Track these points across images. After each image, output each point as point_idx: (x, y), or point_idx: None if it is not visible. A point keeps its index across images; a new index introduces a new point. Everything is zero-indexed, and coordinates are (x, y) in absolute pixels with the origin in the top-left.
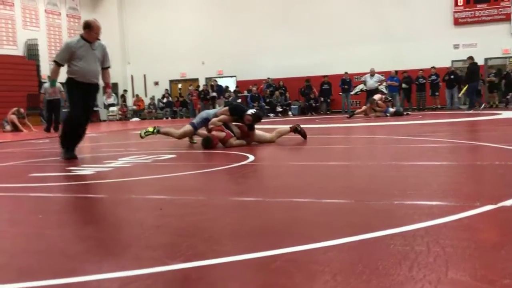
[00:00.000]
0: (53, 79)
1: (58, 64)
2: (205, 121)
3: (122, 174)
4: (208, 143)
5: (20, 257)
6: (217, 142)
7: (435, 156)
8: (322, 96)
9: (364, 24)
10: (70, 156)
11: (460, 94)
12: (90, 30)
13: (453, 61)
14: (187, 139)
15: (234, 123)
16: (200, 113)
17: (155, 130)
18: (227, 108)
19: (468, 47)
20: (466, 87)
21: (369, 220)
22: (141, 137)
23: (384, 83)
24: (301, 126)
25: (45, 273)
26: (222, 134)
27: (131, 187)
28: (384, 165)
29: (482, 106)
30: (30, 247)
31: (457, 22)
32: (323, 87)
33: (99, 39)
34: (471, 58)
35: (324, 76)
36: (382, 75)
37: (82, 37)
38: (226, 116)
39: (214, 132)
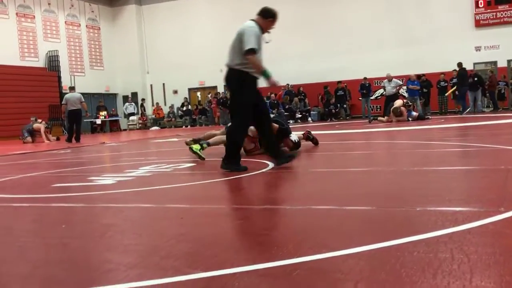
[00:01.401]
0: (263, 69)
1: (255, 52)
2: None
3: (143, 183)
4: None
5: (44, 268)
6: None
7: (457, 160)
8: (338, 102)
9: (384, 28)
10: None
11: (447, 94)
12: (274, 20)
13: (475, 64)
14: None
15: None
16: None
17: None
18: (277, 126)
19: (490, 49)
20: (453, 89)
21: (391, 227)
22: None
23: (404, 87)
24: (318, 132)
25: (69, 283)
26: (252, 145)
27: (152, 196)
28: (406, 171)
29: (467, 110)
30: (54, 257)
31: (478, 24)
32: (338, 94)
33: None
34: (460, 64)
35: (338, 82)
36: (400, 80)
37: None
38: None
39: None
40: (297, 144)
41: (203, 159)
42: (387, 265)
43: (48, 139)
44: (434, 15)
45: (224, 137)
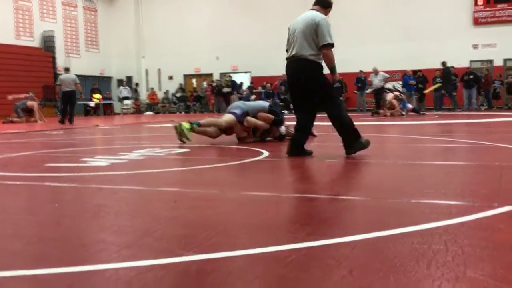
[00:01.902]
0: (335, 65)
1: (333, 46)
2: (245, 115)
3: (137, 166)
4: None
5: (36, 245)
6: (231, 133)
7: (452, 156)
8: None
9: (382, 22)
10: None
11: (427, 91)
12: (330, 10)
13: (471, 61)
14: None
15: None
16: (236, 103)
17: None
18: (272, 117)
19: (487, 47)
20: (433, 87)
21: (386, 218)
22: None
23: (399, 82)
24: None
25: (61, 260)
26: (244, 133)
27: (146, 179)
28: (401, 164)
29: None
30: (47, 235)
31: (477, 22)
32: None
33: None
34: (444, 63)
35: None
36: (395, 74)
37: None
38: (264, 124)
39: (237, 127)
40: (281, 136)
41: (189, 140)
42: (381, 254)
43: (42, 119)
44: (433, 11)
45: (216, 120)
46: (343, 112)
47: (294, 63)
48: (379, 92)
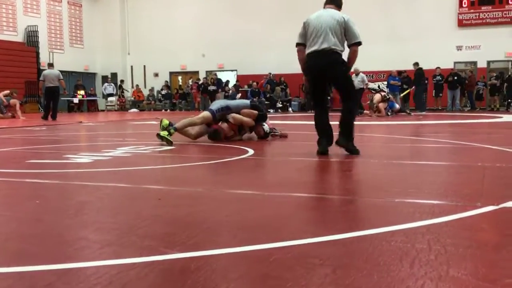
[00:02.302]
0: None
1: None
2: (225, 110)
3: (120, 164)
4: (217, 136)
5: (16, 241)
6: (224, 137)
7: (436, 156)
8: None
9: (369, 23)
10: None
11: (402, 95)
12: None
13: (455, 63)
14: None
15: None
16: (217, 100)
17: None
18: (256, 113)
19: (471, 49)
20: (407, 90)
21: (369, 216)
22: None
23: (384, 83)
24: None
25: (42, 258)
26: (231, 132)
27: (129, 177)
28: (385, 163)
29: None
30: (27, 231)
31: (461, 24)
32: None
33: None
34: (416, 64)
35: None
36: (366, 77)
37: None
38: (250, 120)
39: (224, 126)
40: (266, 134)
41: (171, 143)
42: (365, 253)
43: (20, 117)
44: (419, 13)
45: (191, 119)
46: (356, 113)
47: (325, 55)
48: (359, 93)
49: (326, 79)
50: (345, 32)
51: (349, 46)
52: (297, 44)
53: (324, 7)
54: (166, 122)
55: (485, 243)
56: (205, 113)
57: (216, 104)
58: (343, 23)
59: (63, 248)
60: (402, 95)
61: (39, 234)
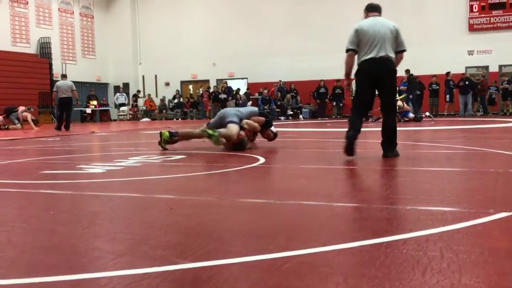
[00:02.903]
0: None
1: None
2: (242, 118)
3: (133, 173)
4: (244, 145)
5: (31, 252)
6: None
7: (448, 162)
8: (334, 100)
9: None
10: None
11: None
12: None
13: (467, 68)
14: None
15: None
16: (229, 110)
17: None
18: (263, 119)
19: (482, 54)
20: (403, 96)
21: (381, 225)
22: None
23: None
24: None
25: (56, 268)
26: (245, 138)
27: (141, 186)
28: (397, 170)
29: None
30: (41, 242)
31: (472, 28)
32: (336, 92)
33: None
34: (408, 71)
35: (337, 81)
36: None
37: None
38: (257, 126)
39: (242, 133)
40: (275, 135)
41: (165, 149)
42: (377, 261)
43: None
44: (429, 17)
45: (194, 131)
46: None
47: (384, 63)
48: (339, 98)
49: (377, 85)
50: (395, 39)
51: (396, 53)
52: (349, 50)
53: (367, 15)
54: (166, 134)
55: (498, 250)
56: (235, 128)
57: (235, 117)
58: (395, 31)
59: (77, 258)
60: (399, 99)
61: (53, 245)
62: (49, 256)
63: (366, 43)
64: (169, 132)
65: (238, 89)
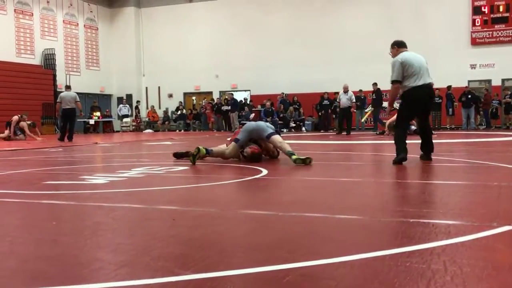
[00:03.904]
0: None
1: None
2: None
3: (135, 184)
4: (260, 157)
5: (33, 263)
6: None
7: (451, 175)
8: (334, 113)
9: (381, 41)
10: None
11: (362, 120)
12: None
13: (469, 81)
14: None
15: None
16: (260, 123)
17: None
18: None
19: (485, 67)
20: (369, 111)
21: (384, 237)
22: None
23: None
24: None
25: (58, 279)
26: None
27: (144, 197)
28: (400, 183)
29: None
30: (44, 253)
31: (474, 42)
32: (335, 104)
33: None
34: (375, 84)
35: (336, 93)
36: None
37: None
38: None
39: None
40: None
41: (193, 163)
42: (380, 274)
43: (36, 139)
44: (431, 31)
45: (225, 151)
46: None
47: (431, 89)
48: (347, 112)
49: (424, 107)
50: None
51: None
52: (396, 81)
53: (398, 50)
54: (203, 152)
55: (501, 263)
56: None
57: (269, 128)
58: (426, 63)
59: (79, 269)
60: (367, 115)
61: (55, 256)
62: (51, 266)
63: (413, 72)
64: (205, 149)
65: (245, 99)
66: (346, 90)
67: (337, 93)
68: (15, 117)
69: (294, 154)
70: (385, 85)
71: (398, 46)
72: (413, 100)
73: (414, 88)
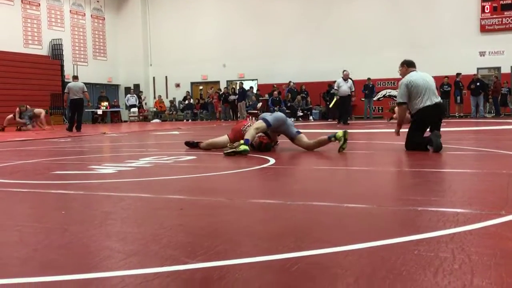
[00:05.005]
0: None
1: None
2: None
3: (143, 174)
4: (270, 147)
5: (43, 252)
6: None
7: (459, 163)
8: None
9: (389, 29)
10: None
11: (331, 105)
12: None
13: (478, 69)
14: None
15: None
16: (282, 116)
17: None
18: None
19: (494, 55)
20: (335, 99)
21: (392, 226)
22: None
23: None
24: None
25: (68, 267)
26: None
27: (152, 187)
28: (408, 171)
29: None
30: (53, 242)
31: (483, 29)
32: (332, 92)
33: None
34: (343, 72)
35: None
36: (383, 83)
37: None
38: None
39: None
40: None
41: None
42: (388, 263)
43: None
44: (440, 18)
45: (215, 140)
46: None
47: (439, 108)
48: (347, 100)
49: (433, 123)
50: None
51: None
52: (403, 103)
53: (407, 69)
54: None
55: (510, 251)
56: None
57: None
58: (433, 82)
59: (89, 258)
60: (331, 105)
61: (65, 245)
62: (61, 255)
63: (420, 92)
64: (246, 144)
65: (251, 87)
66: (346, 78)
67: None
68: (39, 110)
69: (333, 136)
70: (389, 74)
71: (408, 65)
72: (423, 119)
73: (422, 110)
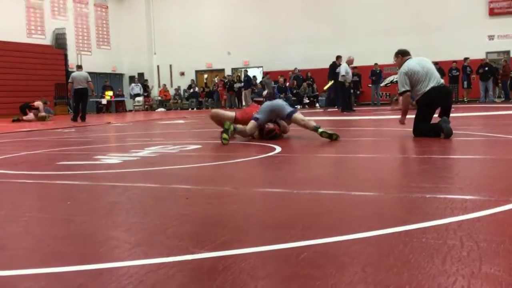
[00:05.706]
0: None
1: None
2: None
3: (148, 164)
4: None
5: (49, 242)
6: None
7: (468, 149)
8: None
9: (396, 14)
10: None
11: (325, 88)
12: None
13: (487, 53)
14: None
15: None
16: (279, 102)
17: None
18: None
19: (503, 38)
20: (330, 83)
21: (400, 213)
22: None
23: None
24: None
25: (74, 258)
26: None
27: (158, 177)
28: (416, 158)
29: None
30: (59, 232)
31: (492, 13)
32: (352, 79)
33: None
34: (339, 57)
35: (354, 68)
36: (388, 69)
37: None
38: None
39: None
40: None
41: (227, 139)
42: (396, 250)
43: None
44: (448, 2)
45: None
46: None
47: (444, 88)
48: (356, 85)
49: (442, 105)
50: None
51: None
52: (406, 91)
53: (402, 59)
54: (231, 127)
55: None
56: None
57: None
58: (432, 64)
59: (95, 248)
60: (327, 86)
61: (71, 235)
62: (67, 246)
63: (419, 79)
64: (232, 125)
65: (254, 76)
66: (351, 63)
67: (355, 67)
68: (37, 102)
69: (320, 128)
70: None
71: (402, 55)
72: (431, 101)
73: (427, 93)
